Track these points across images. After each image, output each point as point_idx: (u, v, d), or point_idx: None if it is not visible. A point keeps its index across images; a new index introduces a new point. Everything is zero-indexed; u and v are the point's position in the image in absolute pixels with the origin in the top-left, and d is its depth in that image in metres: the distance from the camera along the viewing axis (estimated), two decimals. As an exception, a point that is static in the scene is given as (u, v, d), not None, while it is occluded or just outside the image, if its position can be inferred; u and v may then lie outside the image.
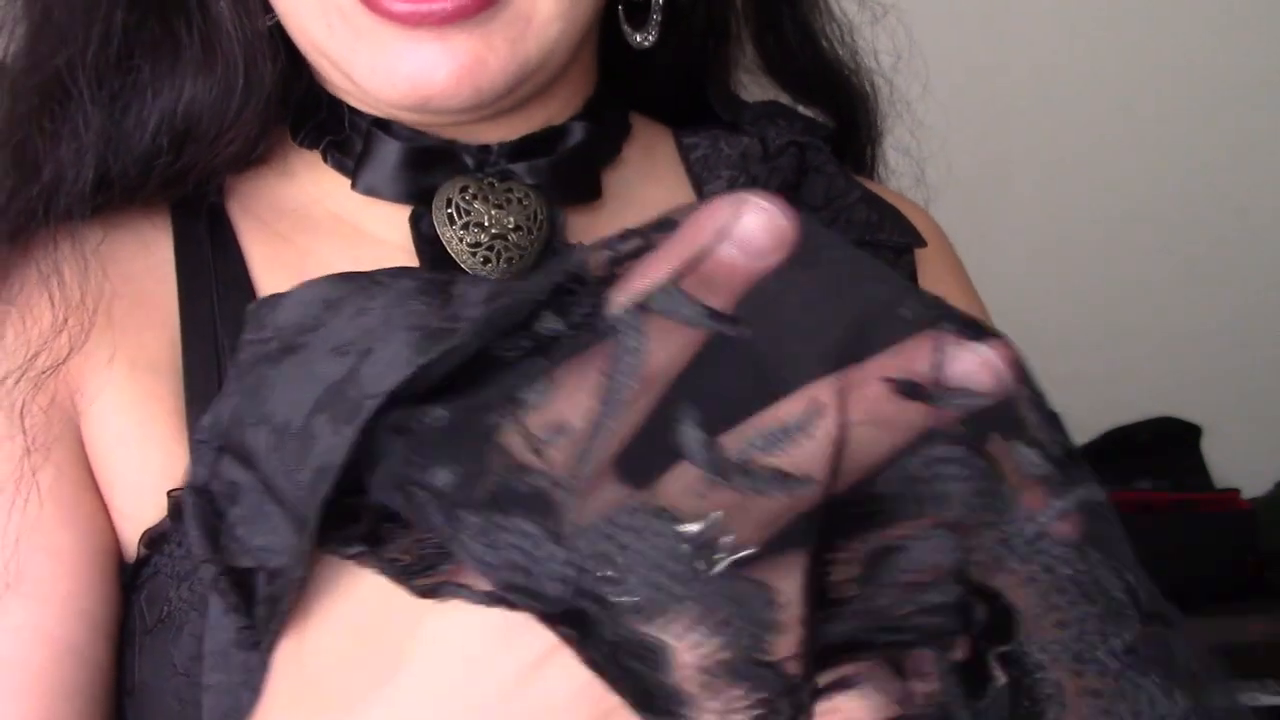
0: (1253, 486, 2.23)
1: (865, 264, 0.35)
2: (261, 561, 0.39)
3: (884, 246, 0.67)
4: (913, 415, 0.33)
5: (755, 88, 0.75)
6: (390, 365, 0.37)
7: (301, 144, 0.64)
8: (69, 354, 0.58)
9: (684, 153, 0.70)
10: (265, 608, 0.39)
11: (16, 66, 0.61)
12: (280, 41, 0.61)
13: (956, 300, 0.61)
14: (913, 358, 0.33)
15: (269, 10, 0.60)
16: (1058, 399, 0.37)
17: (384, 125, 0.62)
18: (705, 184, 0.68)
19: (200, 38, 0.60)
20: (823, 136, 0.71)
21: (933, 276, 0.71)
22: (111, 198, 0.60)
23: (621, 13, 0.65)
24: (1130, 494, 2.01)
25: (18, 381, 0.57)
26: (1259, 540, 2.10)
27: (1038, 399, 0.34)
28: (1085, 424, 1.88)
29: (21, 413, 0.56)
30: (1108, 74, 2.20)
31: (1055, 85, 2.13)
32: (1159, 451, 2.14)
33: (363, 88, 0.59)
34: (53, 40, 0.60)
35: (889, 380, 0.33)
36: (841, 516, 0.34)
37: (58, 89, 0.59)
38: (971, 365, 0.33)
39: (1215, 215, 2.31)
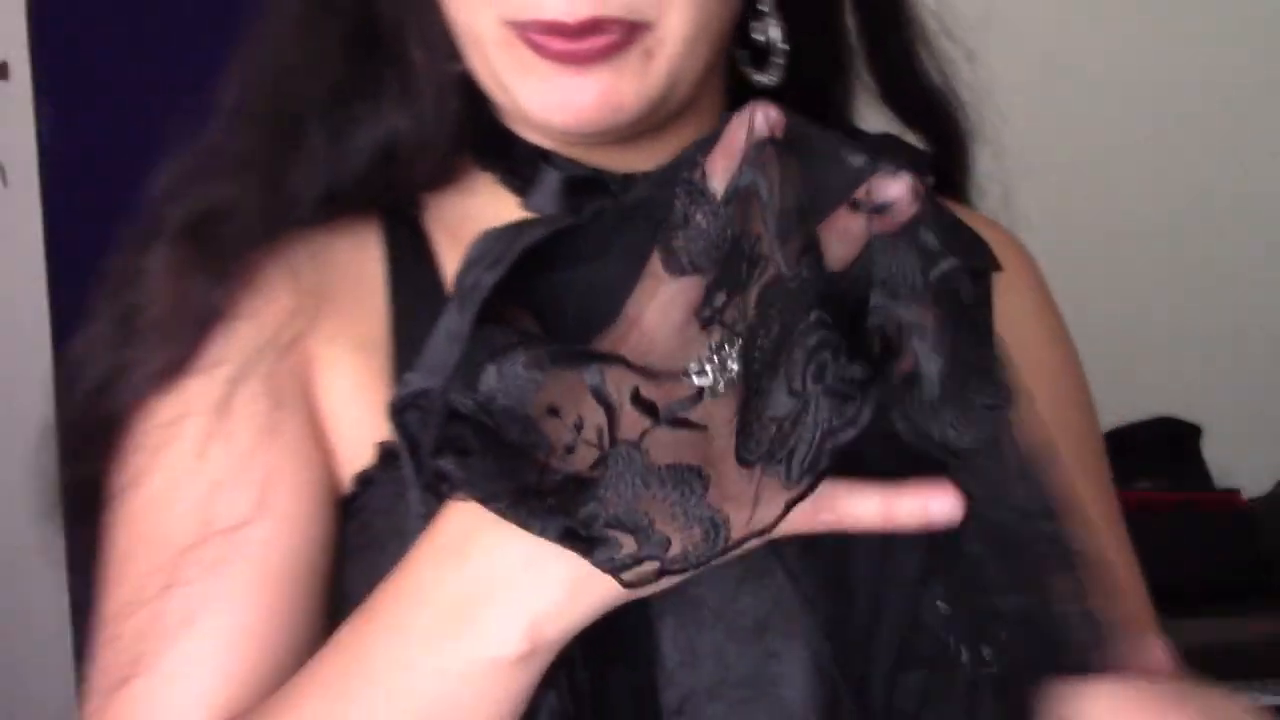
0: (1253, 486, 2.23)
1: (831, 139, 0.58)
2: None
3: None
4: (861, 224, 0.57)
5: (875, 119, 0.87)
6: (532, 235, 0.59)
7: (484, 169, 0.80)
8: (304, 329, 0.75)
9: None
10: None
11: (261, 108, 0.78)
12: (465, 84, 0.76)
13: (1030, 323, 0.85)
14: (861, 192, 0.57)
15: (456, 59, 0.76)
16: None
17: (546, 156, 0.77)
18: None
19: (399, 81, 0.76)
20: (921, 168, 0.79)
21: (1007, 301, 0.81)
22: (334, 208, 0.77)
23: (746, 56, 0.79)
24: (1130, 494, 2.00)
25: (269, 350, 0.74)
26: (1259, 540, 2.10)
27: (937, 210, 0.58)
28: (1085, 424, 1.88)
29: (273, 376, 0.73)
30: (1108, 74, 2.21)
31: (1055, 86, 2.13)
32: (1159, 451, 2.14)
33: (526, 113, 0.74)
34: (292, 87, 0.77)
35: (847, 204, 0.56)
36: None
37: (294, 122, 0.76)
38: (895, 191, 0.57)
39: (1215, 215, 2.31)
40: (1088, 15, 2.19)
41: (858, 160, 0.57)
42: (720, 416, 0.56)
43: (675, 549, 0.54)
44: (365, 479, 0.74)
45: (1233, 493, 2.21)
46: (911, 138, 0.86)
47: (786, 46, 0.79)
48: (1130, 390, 2.11)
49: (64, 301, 2.26)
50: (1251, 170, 2.32)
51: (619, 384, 0.56)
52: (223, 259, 0.75)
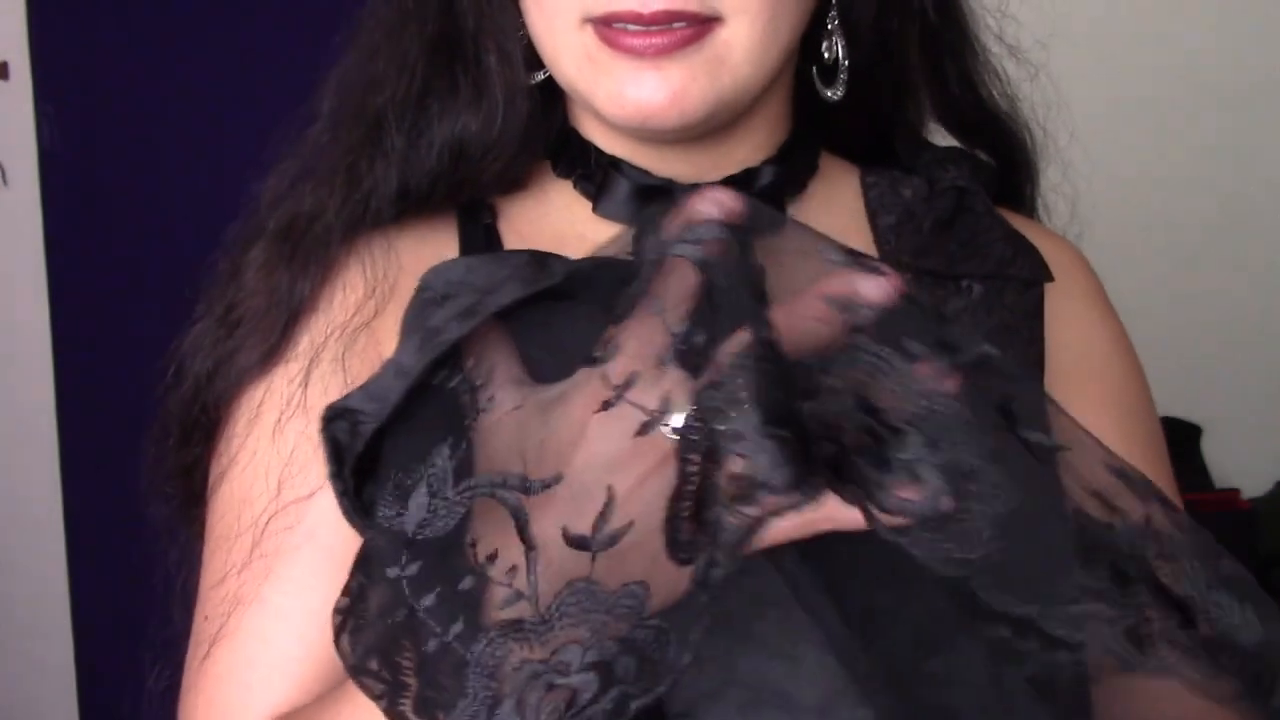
0: (1253, 486, 2.24)
1: (809, 236, 0.58)
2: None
3: (1014, 279, 0.84)
4: (838, 319, 0.55)
5: (940, 134, 0.91)
6: (509, 294, 0.59)
7: (559, 175, 0.85)
8: (375, 315, 0.80)
9: (865, 189, 0.87)
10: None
11: (350, 112, 0.83)
12: (539, 93, 0.82)
13: (1086, 328, 0.88)
14: (837, 284, 0.56)
15: (533, 68, 0.81)
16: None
17: (618, 165, 0.83)
18: (877, 218, 0.85)
19: (473, 83, 0.81)
20: (985, 180, 0.87)
21: (1064, 308, 0.86)
22: (408, 205, 0.82)
23: (815, 72, 0.84)
24: (1130, 494, 2.01)
25: (341, 334, 0.80)
26: (1259, 540, 2.10)
27: (923, 310, 0.56)
28: (1085, 424, 1.88)
29: (343, 357, 0.79)
30: (1106, 73, 2.21)
31: (1055, 85, 2.13)
32: (1159, 451, 2.14)
33: (601, 112, 0.78)
34: (375, 87, 0.82)
35: (825, 296, 0.55)
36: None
37: (376, 123, 0.82)
38: (871, 287, 0.55)
39: (1215, 215, 2.32)
40: (1089, 4, 2.18)
41: (835, 256, 0.57)
42: None
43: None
44: None
45: (1233, 493, 2.22)
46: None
47: (846, 63, 0.84)
48: (1130, 390, 2.11)
49: (64, 302, 2.27)
50: (1254, 169, 2.32)
51: (542, 524, 0.56)
52: (306, 257, 0.81)
